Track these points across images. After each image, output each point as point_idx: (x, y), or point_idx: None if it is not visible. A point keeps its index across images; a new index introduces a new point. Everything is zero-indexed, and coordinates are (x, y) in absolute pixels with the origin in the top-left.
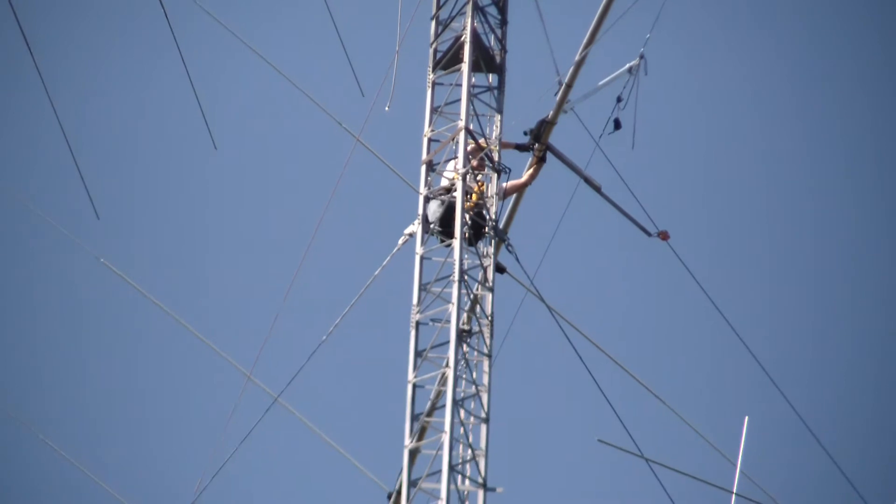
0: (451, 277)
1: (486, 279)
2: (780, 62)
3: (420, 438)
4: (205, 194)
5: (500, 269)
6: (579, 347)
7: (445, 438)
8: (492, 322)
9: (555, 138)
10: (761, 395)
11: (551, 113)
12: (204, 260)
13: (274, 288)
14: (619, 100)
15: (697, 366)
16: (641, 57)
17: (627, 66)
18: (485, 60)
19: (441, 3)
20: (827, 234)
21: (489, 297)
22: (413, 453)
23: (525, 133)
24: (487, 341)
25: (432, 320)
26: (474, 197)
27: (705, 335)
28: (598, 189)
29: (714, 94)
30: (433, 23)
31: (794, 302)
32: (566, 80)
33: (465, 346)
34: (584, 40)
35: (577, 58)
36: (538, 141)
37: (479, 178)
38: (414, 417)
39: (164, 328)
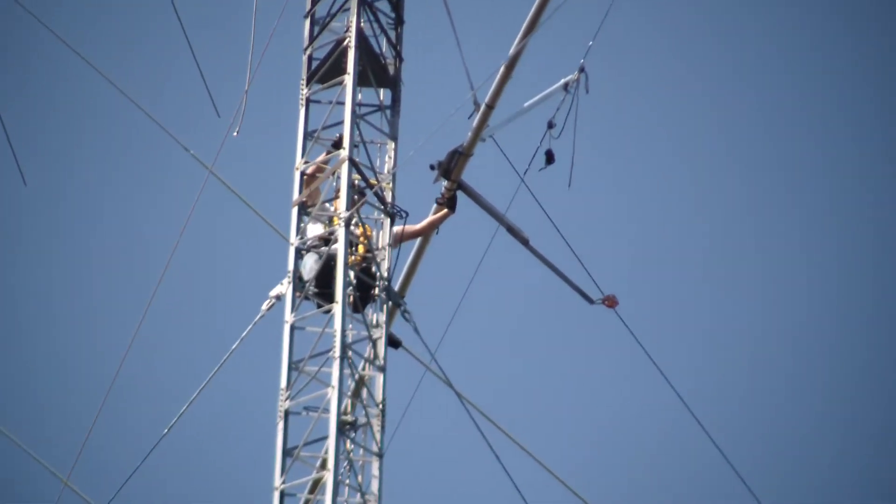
0: (331, 353)
1: (375, 356)
2: (748, 74)
3: None
4: (14, 235)
5: (393, 342)
6: (491, 438)
7: None
8: (383, 411)
9: (469, 174)
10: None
11: (466, 141)
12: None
13: (108, 356)
14: (550, 125)
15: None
16: (581, 70)
17: (563, 81)
18: (375, 72)
19: None
20: (791, 288)
21: (380, 378)
22: None
23: (431, 167)
24: (377, 436)
25: (306, 409)
26: (360, 248)
27: (654, 422)
28: (524, 242)
29: (670, 116)
30: (307, 22)
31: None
32: (487, 98)
33: (348, 442)
34: (515, 43)
35: (501, 68)
36: (448, 178)
37: (360, 226)
38: None
39: None
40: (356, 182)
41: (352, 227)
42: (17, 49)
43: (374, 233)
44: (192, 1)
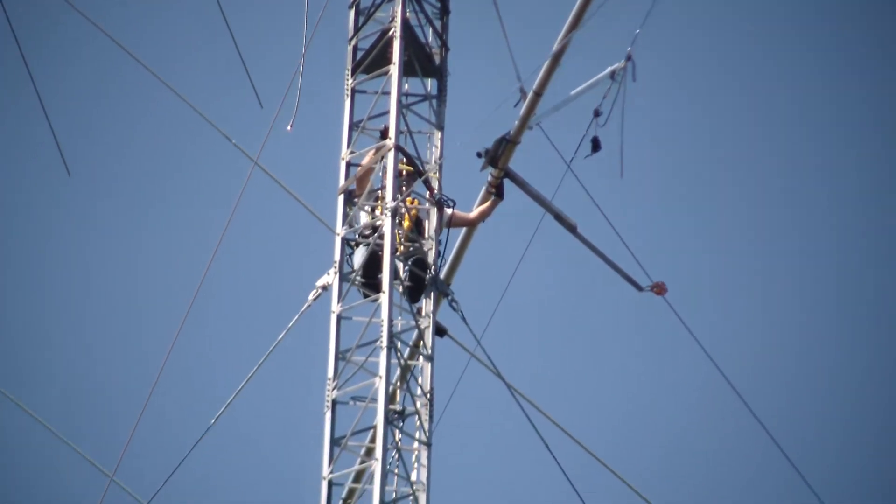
0: (379, 343)
1: (423, 345)
2: (795, 62)
3: None
4: (59, 228)
5: (439, 331)
6: (538, 425)
7: None
8: (431, 400)
9: (516, 162)
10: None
11: (513, 129)
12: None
13: (153, 350)
14: (596, 114)
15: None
16: (629, 58)
17: (609, 69)
18: (420, 61)
19: None
20: (843, 271)
21: (428, 367)
22: None
23: (478, 155)
24: (426, 425)
25: (353, 398)
26: (405, 234)
27: (701, 409)
28: (572, 229)
29: (717, 106)
30: (352, 12)
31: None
32: (534, 86)
33: (396, 431)
34: (563, 31)
35: (549, 56)
36: (495, 165)
37: (412, 212)
38: None
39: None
40: (404, 172)
41: (400, 205)
42: (64, 44)
43: (423, 221)
44: None
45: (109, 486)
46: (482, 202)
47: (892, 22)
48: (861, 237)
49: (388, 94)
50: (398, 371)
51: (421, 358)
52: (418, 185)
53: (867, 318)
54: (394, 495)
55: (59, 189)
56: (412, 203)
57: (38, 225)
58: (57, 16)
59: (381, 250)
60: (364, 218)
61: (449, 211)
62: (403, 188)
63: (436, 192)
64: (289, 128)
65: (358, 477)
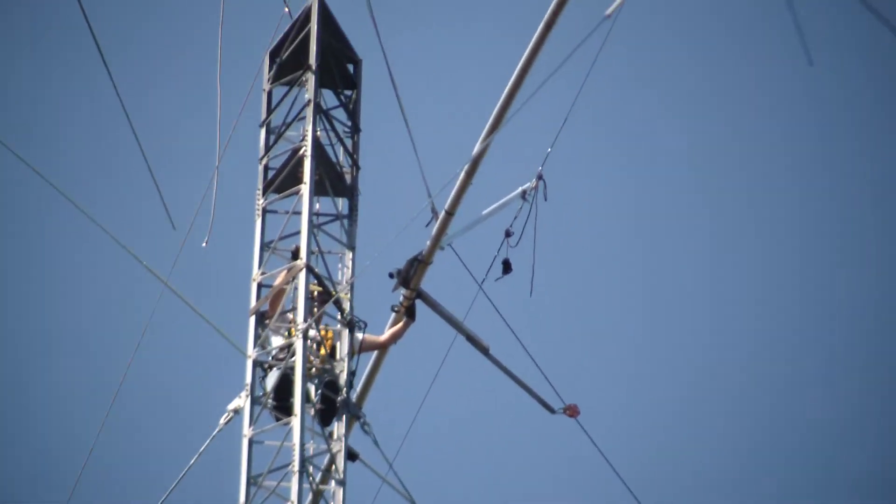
0: (291, 467)
1: (335, 469)
2: (713, 165)
3: None
4: None
5: (351, 455)
6: None
7: None
8: None
9: (427, 282)
10: None
11: (424, 250)
12: None
13: (58, 480)
14: (508, 234)
15: None
16: (539, 178)
17: (521, 189)
18: (331, 180)
19: (273, 106)
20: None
21: (340, 492)
22: None
23: (390, 275)
24: None
25: None
26: (321, 351)
27: None
28: (484, 351)
29: (626, 223)
30: (263, 131)
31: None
32: (447, 205)
33: None
34: (475, 150)
35: (461, 174)
36: (407, 286)
37: (327, 342)
38: None
39: None
40: (315, 293)
41: (313, 333)
42: None
43: (334, 336)
44: (146, 113)
45: None
46: (394, 323)
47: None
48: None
49: (299, 213)
50: (310, 496)
51: (333, 482)
52: (330, 309)
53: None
54: None
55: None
56: (327, 333)
57: None
58: None
59: (293, 373)
60: (276, 340)
61: (359, 336)
62: (315, 309)
63: (347, 312)
64: (204, 244)
65: None
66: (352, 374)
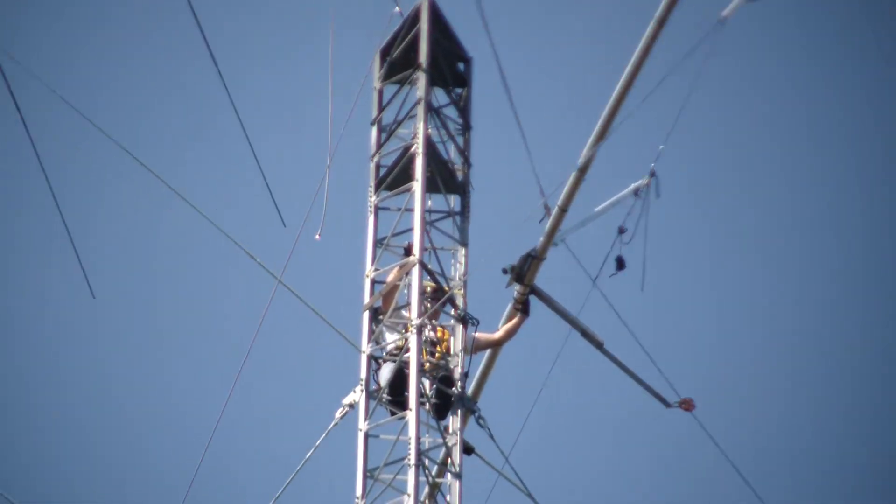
0: (406, 461)
1: (451, 462)
2: (826, 164)
3: None
4: (91, 345)
5: (466, 449)
6: None
7: None
8: None
9: (540, 279)
10: None
11: (538, 245)
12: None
13: (179, 471)
14: (621, 231)
15: None
16: (652, 174)
17: (633, 186)
18: (443, 178)
19: (384, 104)
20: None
21: (456, 485)
22: None
23: (504, 271)
24: None
25: None
26: (436, 355)
27: None
28: (599, 346)
29: (744, 220)
30: (374, 129)
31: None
32: (560, 201)
33: None
34: (588, 144)
35: (574, 171)
36: (521, 282)
37: (438, 330)
38: None
39: None
40: (429, 289)
41: (428, 332)
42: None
43: (450, 337)
44: (257, 111)
45: None
46: (508, 319)
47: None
48: None
49: (411, 210)
50: (426, 489)
51: (449, 476)
52: (444, 312)
53: None
54: None
55: (82, 309)
56: (443, 334)
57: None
58: (78, 134)
59: (408, 367)
60: (390, 336)
61: (473, 334)
62: (428, 305)
63: (460, 309)
64: (317, 236)
65: None
66: (466, 369)
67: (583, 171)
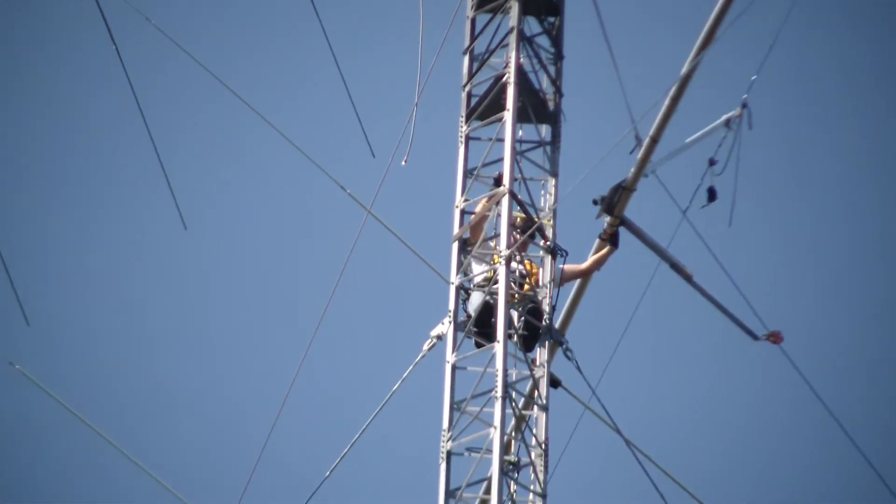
0: (493, 393)
1: (538, 395)
2: None
3: None
4: (183, 276)
5: (553, 382)
6: (652, 476)
7: None
8: (546, 452)
9: (630, 210)
10: None
11: (629, 176)
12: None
13: (269, 400)
14: (711, 162)
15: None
16: (744, 106)
17: (725, 117)
18: (534, 107)
19: (476, 33)
20: None
21: (542, 418)
22: None
23: (594, 202)
24: (541, 477)
25: (468, 449)
26: (525, 287)
27: (822, 458)
28: (688, 278)
29: (837, 155)
30: (466, 58)
31: None
32: (652, 132)
33: (511, 483)
34: (682, 72)
35: (666, 100)
36: (611, 213)
37: (526, 262)
38: None
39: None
40: (518, 220)
41: (516, 265)
42: (182, 95)
43: (539, 270)
44: (345, 40)
45: None
46: (597, 251)
47: None
48: None
49: (502, 140)
50: (513, 422)
51: (536, 408)
52: (533, 243)
53: None
54: None
55: (175, 240)
56: (532, 268)
57: (157, 277)
58: (177, 68)
59: (495, 299)
60: (477, 267)
61: (561, 266)
62: (517, 236)
63: (549, 240)
64: (403, 162)
65: None
66: (554, 301)
67: (675, 99)
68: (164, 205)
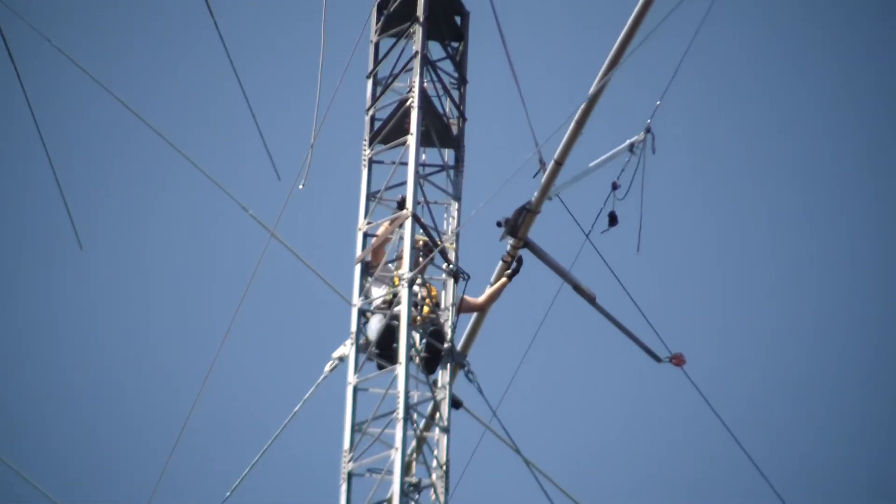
0: (395, 414)
1: (439, 416)
2: (822, 129)
3: None
4: (72, 302)
5: (455, 403)
6: (553, 497)
7: None
8: (447, 472)
9: (533, 233)
10: None
11: (533, 199)
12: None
13: (167, 422)
14: (614, 186)
15: None
16: (648, 130)
17: (628, 142)
18: (438, 132)
19: (380, 57)
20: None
21: (444, 439)
22: None
23: (498, 224)
24: (441, 498)
25: (369, 470)
26: (425, 310)
27: (718, 477)
28: (591, 300)
29: (740, 179)
30: (370, 83)
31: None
32: (556, 155)
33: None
34: (587, 98)
35: (571, 124)
36: (514, 235)
37: (429, 291)
38: None
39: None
40: (420, 243)
41: (417, 288)
42: (76, 111)
43: (440, 293)
44: (252, 64)
45: None
46: (498, 276)
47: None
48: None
49: (405, 164)
50: (414, 443)
51: (437, 430)
52: (435, 260)
53: None
54: None
55: (69, 259)
56: (430, 290)
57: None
58: (69, 80)
59: (397, 321)
60: (377, 291)
61: (462, 294)
62: (420, 259)
63: (452, 263)
64: (301, 186)
65: None
66: (455, 324)
67: (580, 123)
68: (60, 222)
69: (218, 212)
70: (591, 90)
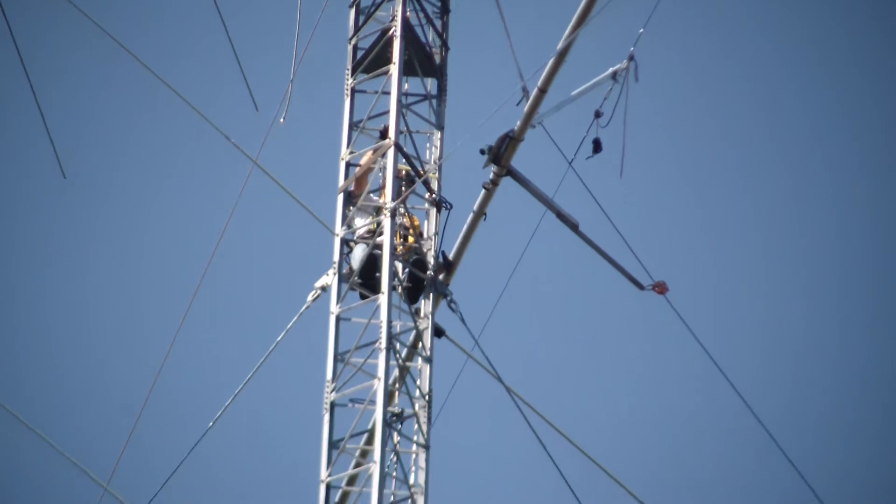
0: (377, 344)
1: (421, 346)
2: (794, 68)
3: None
4: (55, 229)
5: (438, 332)
6: (535, 425)
7: None
8: (430, 402)
9: (517, 161)
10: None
11: (516, 127)
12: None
13: (150, 352)
14: (597, 114)
15: (675, 447)
16: (631, 58)
17: (611, 70)
18: (420, 61)
19: None
20: (847, 267)
21: (426, 369)
22: None
23: (481, 151)
24: (424, 428)
25: (351, 400)
26: (410, 239)
27: (702, 409)
28: (574, 227)
29: (719, 106)
30: (352, 12)
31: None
32: (539, 83)
33: (395, 433)
34: (568, 28)
35: (554, 53)
36: (497, 163)
37: (407, 217)
38: None
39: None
40: (403, 172)
41: (399, 219)
42: (61, 42)
43: (422, 223)
44: None
45: (104, 497)
46: (483, 202)
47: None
48: (865, 235)
49: (388, 93)
50: (396, 372)
51: (419, 359)
52: (418, 189)
53: (870, 316)
54: (392, 498)
55: (54, 190)
56: (412, 220)
57: (33, 226)
58: (55, 13)
59: (380, 251)
60: (360, 220)
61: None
62: (403, 189)
63: (435, 192)
64: (281, 120)
65: (355, 480)
66: (438, 252)
67: (562, 54)
68: (44, 154)
69: (201, 143)
70: (574, 18)
